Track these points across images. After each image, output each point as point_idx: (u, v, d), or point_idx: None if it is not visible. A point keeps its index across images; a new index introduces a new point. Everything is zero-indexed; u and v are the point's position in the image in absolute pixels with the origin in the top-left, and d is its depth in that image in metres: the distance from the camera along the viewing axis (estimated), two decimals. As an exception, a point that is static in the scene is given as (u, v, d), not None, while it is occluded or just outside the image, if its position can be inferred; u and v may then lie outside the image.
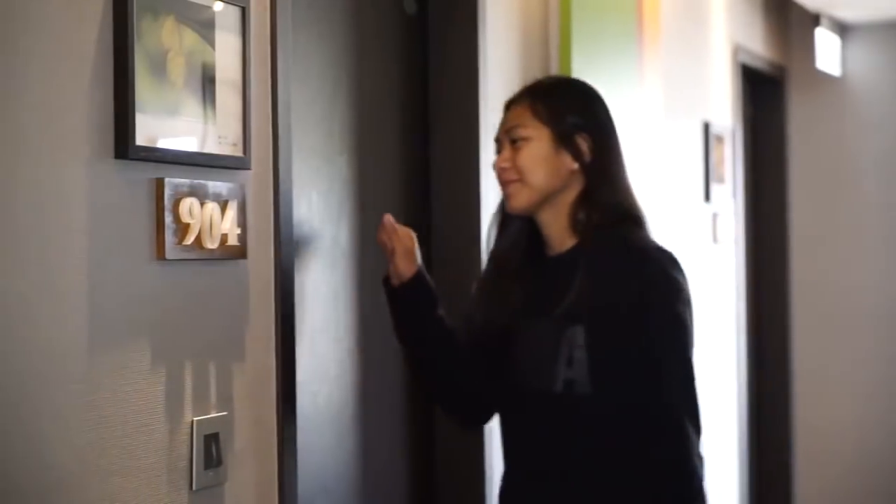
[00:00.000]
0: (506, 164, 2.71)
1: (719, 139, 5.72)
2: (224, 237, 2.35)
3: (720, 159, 5.74)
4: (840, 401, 7.00)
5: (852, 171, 7.06)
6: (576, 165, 2.69)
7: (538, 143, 2.69)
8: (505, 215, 2.79)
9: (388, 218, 2.81)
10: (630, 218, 2.73)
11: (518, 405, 2.75)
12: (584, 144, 2.70)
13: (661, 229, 4.72)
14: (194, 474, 2.30)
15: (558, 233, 2.72)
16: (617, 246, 2.65)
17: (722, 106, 5.89)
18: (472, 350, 2.80)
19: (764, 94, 6.86)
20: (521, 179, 2.70)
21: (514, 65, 3.63)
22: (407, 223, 2.79)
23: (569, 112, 2.73)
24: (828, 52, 6.80)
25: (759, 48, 6.54)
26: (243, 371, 2.45)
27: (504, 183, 2.74)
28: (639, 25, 4.53)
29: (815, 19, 6.71)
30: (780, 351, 6.91)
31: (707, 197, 5.59)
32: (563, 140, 2.70)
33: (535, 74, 3.69)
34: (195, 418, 2.31)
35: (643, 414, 2.58)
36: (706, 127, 5.55)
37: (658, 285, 2.61)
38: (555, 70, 3.82)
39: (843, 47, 7.09)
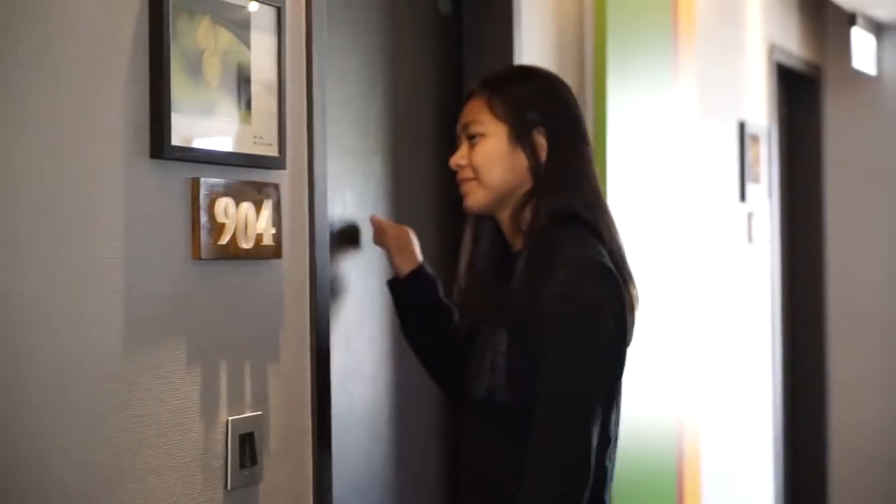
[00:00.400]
0: (462, 162, 2.60)
1: (755, 139, 5.70)
2: (259, 237, 2.35)
3: (755, 159, 5.72)
4: (875, 400, 6.97)
5: (888, 171, 7.02)
6: (529, 163, 2.55)
7: (494, 140, 2.56)
8: (479, 215, 2.66)
9: (375, 218, 2.80)
10: (576, 221, 2.53)
11: (464, 404, 2.67)
12: (540, 140, 2.56)
13: (697, 229, 4.71)
14: (229, 474, 2.30)
15: (510, 232, 2.61)
16: (547, 252, 2.48)
17: (757, 105, 5.87)
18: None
19: (799, 93, 6.83)
20: (477, 178, 2.58)
21: (548, 65, 3.61)
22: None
23: (526, 107, 2.57)
24: (864, 51, 6.77)
25: (794, 47, 6.51)
26: (278, 371, 2.45)
27: (460, 181, 2.63)
28: (674, 26, 4.51)
29: (850, 18, 6.68)
30: (816, 350, 6.88)
31: (742, 197, 5.57)
32: (520, 137, 2.55)
33: (570, 75, 3.69)
34: (230, 417, 2.31)
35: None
36: (741, 127, 5.54)
37: (566, 299, 2.41)
38: (590, 71, 3.81)
39: (879, 46, 7.05)
